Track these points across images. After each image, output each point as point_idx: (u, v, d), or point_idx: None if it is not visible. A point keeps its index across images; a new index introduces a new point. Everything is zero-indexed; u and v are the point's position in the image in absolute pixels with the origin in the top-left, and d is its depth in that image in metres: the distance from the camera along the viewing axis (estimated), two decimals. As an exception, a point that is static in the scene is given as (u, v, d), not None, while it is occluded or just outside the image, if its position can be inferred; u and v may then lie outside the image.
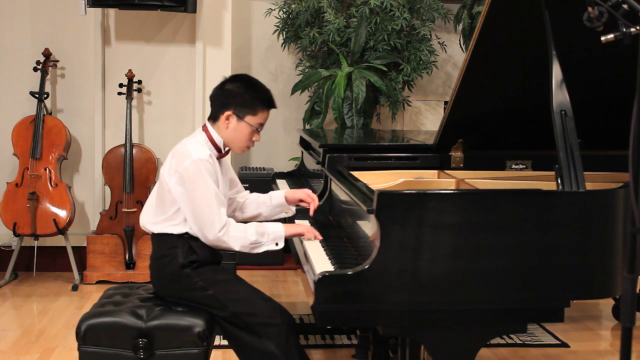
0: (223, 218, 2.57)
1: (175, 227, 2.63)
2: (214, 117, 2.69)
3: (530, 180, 2.82)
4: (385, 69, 4.89)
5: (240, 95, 2.65)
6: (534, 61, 2.56)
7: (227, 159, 2.83)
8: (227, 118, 2.65)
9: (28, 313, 4.25)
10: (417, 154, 3.08)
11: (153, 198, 2.72)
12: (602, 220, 2.22)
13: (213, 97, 2.72)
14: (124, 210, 4.83)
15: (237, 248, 2.59)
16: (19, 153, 4.80)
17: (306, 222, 2.92)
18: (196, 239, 2.63)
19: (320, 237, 2.64)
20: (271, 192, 2.96)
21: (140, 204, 4.82)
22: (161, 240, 2.66)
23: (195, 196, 2.56)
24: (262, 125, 2.70)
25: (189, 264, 2.61)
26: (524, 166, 3.05)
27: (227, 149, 2.73)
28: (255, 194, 2.94)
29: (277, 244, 2.62)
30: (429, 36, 5.06)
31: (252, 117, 2.66)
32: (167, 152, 2.73)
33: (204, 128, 2.70)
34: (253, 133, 2.69)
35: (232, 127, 2.66)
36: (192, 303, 2.62)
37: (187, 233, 2.63)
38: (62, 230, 4.73)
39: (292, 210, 2.89)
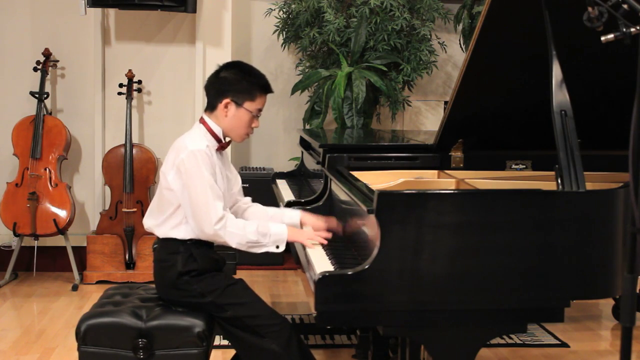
0: (219, 211, 2.53)
1: (176, 230, 2.60)
2: (211, 107, 2.67)
3: (530, 180, 2.82)
4: (385, 69, 4.89)
5: (237, 82, 2.64)
6: (534, 61, 2.56)
7: (228, 156, 2.81)
8: (226, 106, 2.63)
9: (28, 313, 4.25)
10: (417, 154, 3.07)
11: (155, 198, 2.70)
12: (602, 220, 2.22)
13: (208, 87, 2.69)
14: (124, 210, 4.83)
15: (233, 245, 2.56)
16: (19, 153, 4.80)
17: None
18: (199, 246, 2.61)
19: (325, 242, 2.59)
20: (284, 210, 2.86)
21: (140, 204, 4.83)
22: (164, 244, 2.65)
23: (191, 188, 2.53)
24: (260, 110, 2.69)
25: (187, 272, 2.58)
26: (524, 166, 3.05)
27: (227, 139, 2.71)
28: (259, 205, 2.88)
29: (277, 247, 2.59)
30: (429, 36, 5.06)
31: (250, 102, 2.65)
32: (167, 152, 2.73)
33: (201, 120, 2.68)
34: (252, 119, 2.67)
35: (231, 115, 2.64)
36: (192, 305, 2.61)
37: (190, 239, 2.60)
38: (62, 230, 4.73)
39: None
